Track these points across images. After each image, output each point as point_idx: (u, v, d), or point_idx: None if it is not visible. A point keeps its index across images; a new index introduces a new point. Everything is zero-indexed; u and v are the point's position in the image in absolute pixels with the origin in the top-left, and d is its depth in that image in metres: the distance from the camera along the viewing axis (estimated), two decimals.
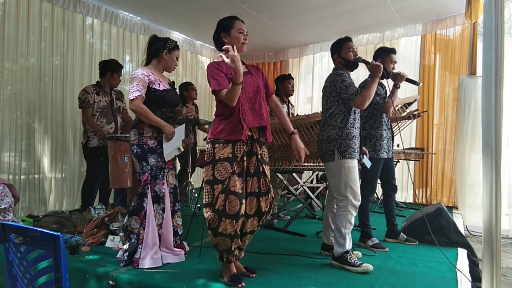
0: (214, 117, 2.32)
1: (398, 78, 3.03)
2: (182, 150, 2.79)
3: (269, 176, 2.32)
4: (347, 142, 2.59)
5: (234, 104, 2.14)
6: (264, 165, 2.29)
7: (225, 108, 2.21)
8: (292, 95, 4.51)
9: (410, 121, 3.99)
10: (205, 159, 2.24)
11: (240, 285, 2.15)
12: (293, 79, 4.48)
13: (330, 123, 2.67)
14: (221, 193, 2.14)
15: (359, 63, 2.74)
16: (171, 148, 2.66)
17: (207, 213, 2.17)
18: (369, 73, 2.98)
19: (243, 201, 2.18)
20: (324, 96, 2.78)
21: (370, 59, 3.30)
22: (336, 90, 2.65)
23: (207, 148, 2.24)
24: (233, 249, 2.22)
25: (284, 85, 4.34)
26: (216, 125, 2.24)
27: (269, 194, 2.28)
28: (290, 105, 4.51)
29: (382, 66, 2.69)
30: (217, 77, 2.17)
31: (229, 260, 2.24)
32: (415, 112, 3.45)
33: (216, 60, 2.33)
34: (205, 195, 2.19)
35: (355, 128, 2.66)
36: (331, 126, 2.66)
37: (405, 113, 3.91)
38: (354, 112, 2.68)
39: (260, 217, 2.29)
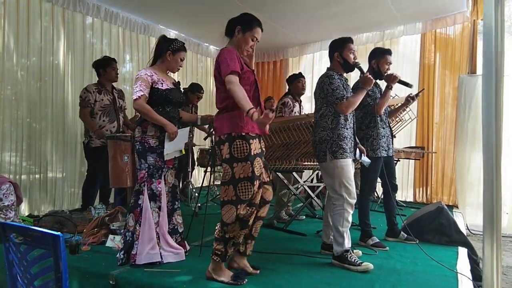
0: (226, 110, 2.20)
1: (390, 80, 3.04)
2: (184, 153, 2.80)
3: None
4: (338, 143, 2.60)
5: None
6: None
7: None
8: (303, 93, 4.31)
9: (413, 118, 3.96)
10: (235, 155, 2.14)
11: (244, 282, 2.18)
12: (304, 77, 4.29)
13: (321, 124, 2.69)
14: (258, 188, 2.20)
15: (355, 68, 2.75)
16: (173, 148, 2.67)
17: (243, 209, 2.15)
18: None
19: None
20: (315, 97, 2.81)
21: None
22: (324, 92, 2.68)
23: (239, 144, 2.14)
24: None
25: (294, 85, 4.23)
26: (239, 119, 2.14)
27: None
28: (301, 105, 4.36)
29: (373, 80, 2.72)
30: (236, 62, 2.12)
31: (229, 256, 2.26)
32: (413, 95, 3.37)
33: (230, 48, 2.26)
34: (243, 192, 2.14)
35: (347, 129, 2.67)
36: (322, 127, 2.68)
37: (405, 112, 3.90)
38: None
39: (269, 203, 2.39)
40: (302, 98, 4.39)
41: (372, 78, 2.71)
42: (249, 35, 2.24)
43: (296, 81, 4.23)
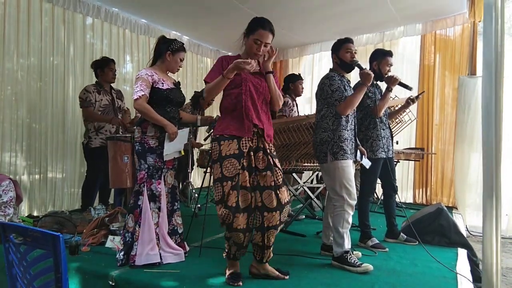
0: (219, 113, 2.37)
1: (391, 82, 3.04)
2: (183, 154, 2.81)
3: (280, 167, 2.30)
4: (339, 144, 2.61)
5: (210, 97, 2.29)
6: (274, 159, 2.27)
7: (229, 102, 2.27)
8: (300, 95, 4.39)
9: (413, 119, 3.96)
10: (212, 157, 2.26)
11: (237, 284, 2.17)
12: (303, 80, 4.36)
13: (322, 125, 2.70)
14: (232, 189, 2.15)
15: (354, 66, 2.75)
16: (172, 149, 2.67)
17: (220, 210, 2.17)
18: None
19: (252, 194, 2.22)
20: (316, 99, 2.82)
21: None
22: (324, 93, 2.69)
23: (213, 146, 2.26)
24: (244, 244, 2.24)
25: (296, 86, 4.26)
26: (220, 122, 2.30)
27: (285, 186, 2.26)
28: (297, 107, 4.40)
29: (372, 75, 2.69)
30: (215, 73, 2.28)
31: (236, 257, 2.27)
32: (413, 97, 3.37)
33: (229, 55, 2.35)
34: (216, 192, 2.21)
35: (348, 130, 2.67)
36: (323, 128, 2.68)
37: (404, 114, 3.89)
38: (346, 115, 2.68)
39: (281, 210, 2.20)
40: (301, 98, 4.42)
41: (371, 72, 2.70)
42: (252, 38, 2.26)
43: (298, 82, 4.29)
